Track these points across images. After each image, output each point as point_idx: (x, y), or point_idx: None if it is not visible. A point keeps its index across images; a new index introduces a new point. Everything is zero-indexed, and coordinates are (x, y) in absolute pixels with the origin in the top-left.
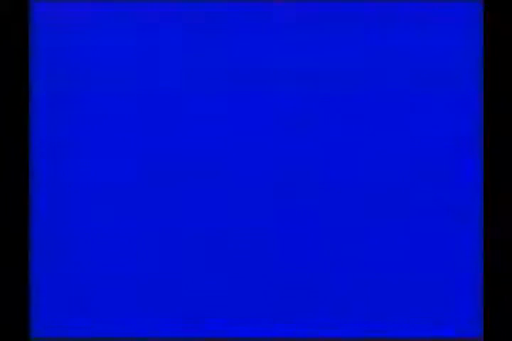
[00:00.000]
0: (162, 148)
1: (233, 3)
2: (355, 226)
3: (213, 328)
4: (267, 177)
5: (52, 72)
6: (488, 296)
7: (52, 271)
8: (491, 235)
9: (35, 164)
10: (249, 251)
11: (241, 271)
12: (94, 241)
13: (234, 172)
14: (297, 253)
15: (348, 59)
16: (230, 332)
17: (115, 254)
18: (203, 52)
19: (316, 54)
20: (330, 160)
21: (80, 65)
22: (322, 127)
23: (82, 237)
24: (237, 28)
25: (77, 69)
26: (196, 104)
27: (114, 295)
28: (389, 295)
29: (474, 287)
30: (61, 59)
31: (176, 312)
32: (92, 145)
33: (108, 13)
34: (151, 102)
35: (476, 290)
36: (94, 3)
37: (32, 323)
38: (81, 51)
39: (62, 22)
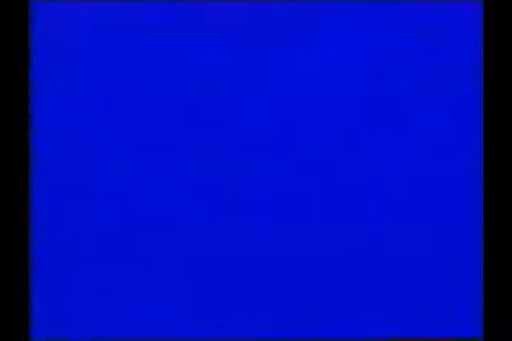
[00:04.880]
0: (164, 147)
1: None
2: (354, 224)
3: (214, 328)
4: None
5: (52, 72)
6: (489, 296)
7: (53, 271)
8: (491, 234)
9: (35, 165)
10: (247, 250)
11: (239, 270)
12: (96, 240)
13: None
14: (297, 253)
15: (347, 60)
16: (229, 331)
17: (116, 254)
18: (203, 53)
19: (315, 54)
20: (330, 159)
21: (81, 65)
22: (320, 127)
23: (84, 236)
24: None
25: (77, 70)
26: (197, 105)
27: (116, 296)
28: (388, 295)
29: (474, 286)
30: (61, 59)
31: (176, 312)
32: (92, 144)
33: (108, 13)
34: (151, 102)
35: (476, 290)
36: (94, 3)
37: (32, 323)
38: (81, 51)
39: (63, 22)
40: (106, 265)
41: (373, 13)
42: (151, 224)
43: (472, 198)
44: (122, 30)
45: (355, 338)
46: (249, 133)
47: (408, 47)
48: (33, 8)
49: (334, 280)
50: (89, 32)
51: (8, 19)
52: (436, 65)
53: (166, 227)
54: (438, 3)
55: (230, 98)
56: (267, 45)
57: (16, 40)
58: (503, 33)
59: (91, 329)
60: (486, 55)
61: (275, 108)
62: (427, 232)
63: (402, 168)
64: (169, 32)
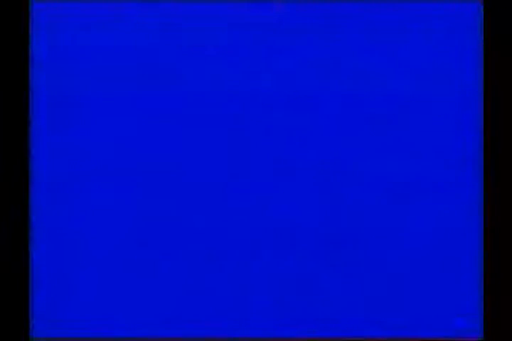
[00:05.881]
0: (163, 149)
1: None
2: (354, 225)
3: (214, 328)
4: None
5: (52, 72)
6: (489, 296)
7: (53, 271)
8: (491, 234)
9: (35, 167)
10: (244, 250)
11: (238, 270)
12: (96, 240)
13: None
14: (297, 255)
15: (347, 59)
16: (228, 331)
17: (116, 254)
18: (202, 52)
19: (315, 54)
20: (328, 159)
21: (81, 65)
22: (324, 125)
23: (84, 237)
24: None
25: (77, 70)
26: (198, 105)
27: (116, 295)
28: (388, 295)
29: (474, 286)
30: (61, 59)
31: (176, 312)
32: (92, 145)
33: (108, 13)
34: (151, 103)
35: (476, 290)
36: (94, 4)
37: (32, 323)
38: (81, 51)
39: (63, 22)
40: (106, 265)
41: (373, 13)
42: (150, 224)
43: (472, 198)
44: (122, 30)
45: (355, 338)
46: (246, 130)
47: (408, 47)
48: (33, 8)
49: (334, 281)
50: (89, 32)
51: (8, 19)
52: (436, 64)
53: (164, 228)
54: (438, 3)
55: (230, 99)
56: (267, 45)
57: (16, 40)
58: (503, 33)
59: (91, 329)
60: (486, 54)
61: (277, 107)
62: (426, 233)
63: (402, 167)
64: (169, 32)
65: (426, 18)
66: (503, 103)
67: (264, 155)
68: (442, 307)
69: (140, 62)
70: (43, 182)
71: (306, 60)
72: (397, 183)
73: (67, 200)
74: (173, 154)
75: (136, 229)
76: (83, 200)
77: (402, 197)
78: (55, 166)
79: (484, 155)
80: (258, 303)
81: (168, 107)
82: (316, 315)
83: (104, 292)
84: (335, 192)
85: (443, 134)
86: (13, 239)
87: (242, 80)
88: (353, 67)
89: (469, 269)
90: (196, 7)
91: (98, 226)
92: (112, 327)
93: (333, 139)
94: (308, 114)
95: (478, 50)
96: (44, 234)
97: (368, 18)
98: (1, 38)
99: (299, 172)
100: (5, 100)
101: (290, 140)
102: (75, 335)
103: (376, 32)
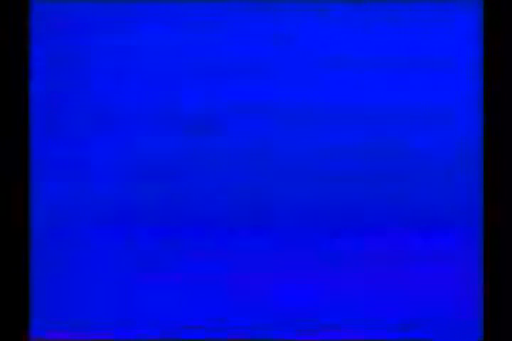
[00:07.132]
0: (165, 148)
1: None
2: (353, 224)
3: (214, 329)
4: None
5: (52, 73)
6: (489, 299)
7: (53, 271)
8: (491, 235)
9: (35, 163)
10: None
11: (235, 270)
12: (97, 241)
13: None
14: (298, 256)
15: (346, 59)
16: (231, 333)
17: (117, 255)
18: (202, 52)
19: (315, 53)
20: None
21: (81, 66)
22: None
23: (85, 238)
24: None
25: (77, 70)
26: (197, 105)
27: (117, 297)
28: (387, 296)
29: (474, 289)
30: (61, 59)
31: (178, 313)
32: (91, 145)
33: (108, 14)
34: (151, 102)
35: (475, 292)
36: (94, 4)
37: (32, 324)
38: (81, 51)
39: (63, 22)
40: (107, 265)
41: (373, 13)
42: (151, 225)
43: (472, 198)
44: (122, 31)
45: (351, 340)
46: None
47: (408, 47)
48: (33, 8)
49: (334, 283)
50: (89, 32)
51: (8, 19)
52: (436, 65)
53: (165, 229)
54: (438, 3)
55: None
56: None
57: (16, 40)
58: (503, 33)
59: (91, 329)
60: (486, 54)
61: (275, 103)
62: (425, 232)
63: (403, 166)
64: (169, 32)
65: (425, 18)
66: (504, 102)
67: (269, 152)
68: (442, 308)
69: (141, 63)
70: (43, 182)
71: (305, 60)
72: (396, 179)
73: (68, 199)
74: (178, 160)
75: (137, 230)
76: (84, 200)
77: (403, 196)
78: (56, 164)
79: (484, 154)
80: (257, 305)
81: (169, 107)
82: (317, 318)
83: (105, 293)
84: (334, 191)
85: (443, 134)
86: (13, 239)
87: (246, 77)
88: (352, 67)
89: (469, 269)
90: (198, 6)
91: (99, 227)
92: (113, 329)
93: (333, 138)
94: (306, 114)
95: (478, 50)
96: (44, 234)
97: (367, 17)
98: (0, 38)
99: (302, 169)
100: (5, 101)
101: (289, 139)
102: (76, 337)
103: (375, 31)
